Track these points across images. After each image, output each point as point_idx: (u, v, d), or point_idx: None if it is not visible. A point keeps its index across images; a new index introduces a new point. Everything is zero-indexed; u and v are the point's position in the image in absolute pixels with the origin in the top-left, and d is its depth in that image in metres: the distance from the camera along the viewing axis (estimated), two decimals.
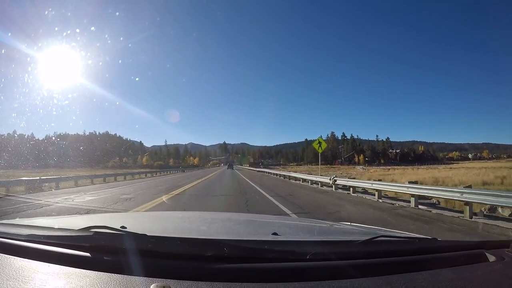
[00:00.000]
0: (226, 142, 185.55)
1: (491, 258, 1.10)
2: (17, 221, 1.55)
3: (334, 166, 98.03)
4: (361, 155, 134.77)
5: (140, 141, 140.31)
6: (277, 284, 0.85)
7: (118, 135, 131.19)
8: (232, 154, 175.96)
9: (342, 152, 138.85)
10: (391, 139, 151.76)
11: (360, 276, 0.89)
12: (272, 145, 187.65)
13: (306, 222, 2.46)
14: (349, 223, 1.92)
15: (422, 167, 67.40)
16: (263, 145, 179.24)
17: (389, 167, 76.63)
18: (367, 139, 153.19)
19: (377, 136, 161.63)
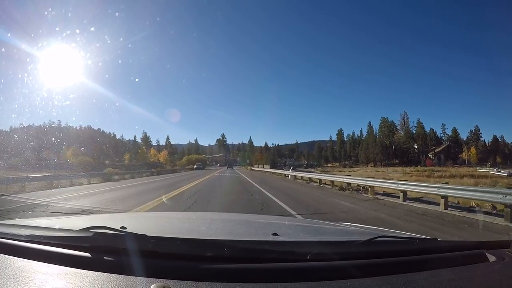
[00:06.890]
0: (227, 142, 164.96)
1: (491, 258, 1.11)
2: (17, 221, 1.56)
3: (437, 169, 48.70)
4: (472, 148, 76.48)
5: (113, 133, 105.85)
6: (277, 285, 0.85)
7: (102, 130, 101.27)
8: (233, 151, 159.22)
9: (418, 146, 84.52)
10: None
11: (360, 276, 0.89)
12: (282, 144, 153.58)
13: (306, 223, 2.47)
14: (349, 223, 1.93)
15: None
16: (270, 145, 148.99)
17: None
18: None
19: (443, 125, 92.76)
